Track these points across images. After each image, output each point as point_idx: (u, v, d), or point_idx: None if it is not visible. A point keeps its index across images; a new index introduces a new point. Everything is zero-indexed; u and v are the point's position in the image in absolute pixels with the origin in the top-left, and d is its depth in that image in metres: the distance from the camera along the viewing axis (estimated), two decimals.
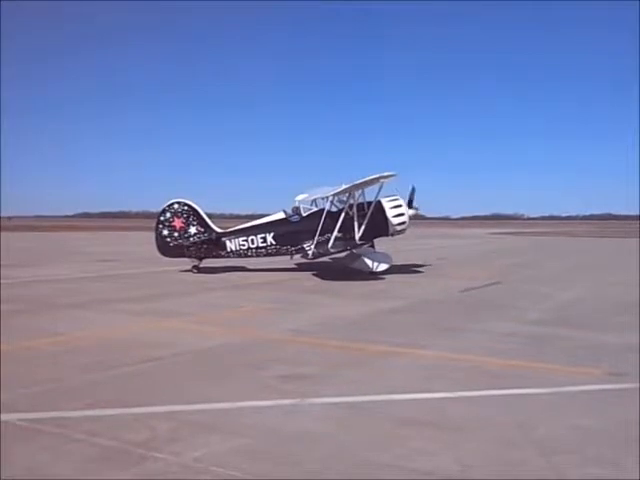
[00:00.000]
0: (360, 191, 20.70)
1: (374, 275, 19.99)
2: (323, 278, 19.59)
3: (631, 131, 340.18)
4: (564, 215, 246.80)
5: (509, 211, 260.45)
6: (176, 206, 21.36)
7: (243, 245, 21.12)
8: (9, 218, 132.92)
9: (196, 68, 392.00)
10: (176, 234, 21.14)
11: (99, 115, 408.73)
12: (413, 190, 21.89)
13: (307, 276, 20.43)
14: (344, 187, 19.93)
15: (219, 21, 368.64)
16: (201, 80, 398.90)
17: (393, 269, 20.71)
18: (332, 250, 20.32)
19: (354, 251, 21.20)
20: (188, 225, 21.20)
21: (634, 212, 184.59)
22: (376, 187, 20.36)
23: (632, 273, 21.98)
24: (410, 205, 21.58)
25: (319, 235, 20.32)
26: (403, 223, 21.38)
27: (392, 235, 21.78)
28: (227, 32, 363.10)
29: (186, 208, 21.34)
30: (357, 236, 20.37)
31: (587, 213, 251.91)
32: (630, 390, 6.97)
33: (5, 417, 5.78)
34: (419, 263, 24.87)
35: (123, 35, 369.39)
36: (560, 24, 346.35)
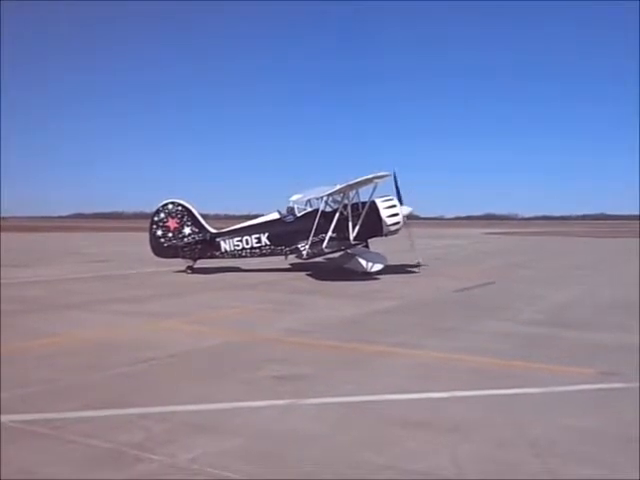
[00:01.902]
0: (354, 191, 20.73)
1: (368, 275, 20.01)
2: (317, 278, 19.60)
3: (626, 131, 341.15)
4: (558, 215, 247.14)
5: (503, 211, 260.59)
6: (170, 206, 21.32)
7: (237, 245, 21.11)
8: (5, 219, 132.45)
9: (191, 69, 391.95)
10: (170, 234, 21.11)
11: (94, 116, 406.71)
12: (395, 178, 20.98)
13: (301, 276, 20.43)
14: (338, 187, 19.95)
15: (214, 22, 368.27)
16: (196, 80, 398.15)
17: (388, 269, 20.74)
18: (326, 250, 20.35)
19: (348, 251, 21.23)
20: (182, 225, 21.17)
21: (628, 212, 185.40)
22: (370, 187, 20.43)
23: (626, 274, 22.08)
24: (399, 197, 21.48)
25: (313, 235, 20.32)
26: (397, 223, 21.43)
27: (386, 235, 21.82)
28: (221, 33, 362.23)
29: (180, 208, 21.31)
30: (351, 236, 20.40)
31: (581, 213, 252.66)
32: (624, 390, 7.01)
33: (1, 418, 5.75)
34: (413, 263, 24.88)
35: (119, 35, 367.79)
36: (559, 24, 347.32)
